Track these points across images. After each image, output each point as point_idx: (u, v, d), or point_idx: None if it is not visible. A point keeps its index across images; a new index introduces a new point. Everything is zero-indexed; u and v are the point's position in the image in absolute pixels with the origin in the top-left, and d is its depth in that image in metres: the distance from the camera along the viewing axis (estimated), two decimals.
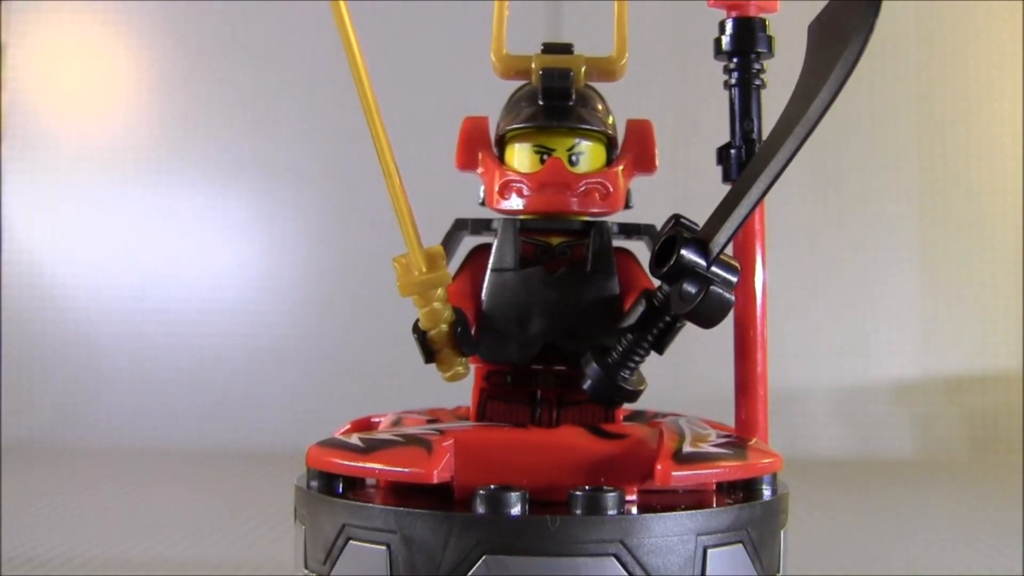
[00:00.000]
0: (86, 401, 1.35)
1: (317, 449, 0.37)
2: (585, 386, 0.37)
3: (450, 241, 0.43)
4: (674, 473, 0.34)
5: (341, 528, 0.35)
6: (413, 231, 0.38)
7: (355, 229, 1.35)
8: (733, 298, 0.35)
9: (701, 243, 0.35)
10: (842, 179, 1.35)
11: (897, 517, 0.89)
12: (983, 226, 1.34)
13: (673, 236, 0.35)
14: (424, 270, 0.38)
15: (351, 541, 0.34)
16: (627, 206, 0.43)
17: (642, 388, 0.38)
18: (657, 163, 0.43)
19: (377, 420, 0.44)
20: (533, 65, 0.41)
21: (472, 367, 0.41)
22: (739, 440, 0.38)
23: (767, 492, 0.37)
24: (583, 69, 0.41)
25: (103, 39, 1.40)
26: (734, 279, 0.35)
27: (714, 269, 0.35)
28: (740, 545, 0.34)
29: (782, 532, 0.37)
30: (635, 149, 0.42)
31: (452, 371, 0.40)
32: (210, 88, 1.38)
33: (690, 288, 0.35)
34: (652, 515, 0.33)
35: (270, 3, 1.35)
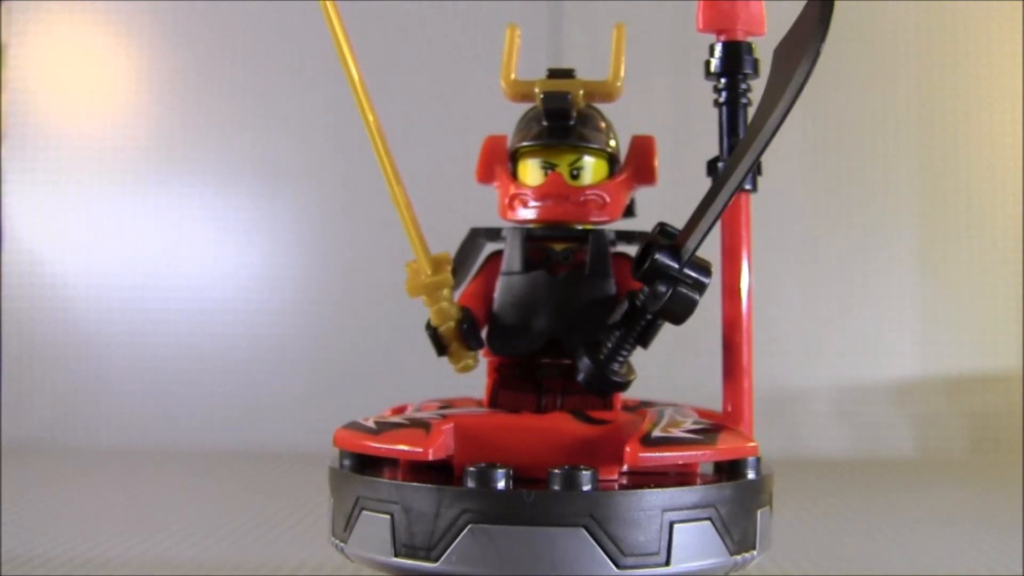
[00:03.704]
0: (86, 401, 1.35)
1: (340, 431, 0.42)
2: (579, 378, 0.41)
3: (469, 247, 0.48)
4: (641, 455, 0.38)
5: (356, 500, 0.39)
6: (418, 239, 0.44)
7: (355, 229, 1.35)
8: (698, 297, 0.39)
9: (674, 248, 0.39)
10: (842, 179, 1.36)
11: (897, 517, 0.89)
12: (983, 226, 1.35)
13: (650, 242, 0.39)
14: (430, 273, 0.43)
15: (363, 511, 0.39)
16: (631, 215, 0.47)
17: (631, 378, 0.42)
18: (658, 175, 0.46)
19: (406, 405, 0.48)
20: (537, 89, 0.45)
21: (483, 360, 0.45)
22: (715, 427, 0.41)
23: (751, 475, 0.40)
24: (581, 92, 0.45)
25: (104, 39, 1.40)
26: (706, 280, 0.39)
27: (686, 271, 0.39)
28: (708, 522, 0.38)
29: (759, 512, 0.40)
30: (636, 163, 0.46)
31: (462, 363, 0.44)
32: (210, 88, 1.39)
33: (661, 288, 0.39)
34: (620, 492, 0.37)
35: (271, 4, 1.35)
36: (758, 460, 0.41)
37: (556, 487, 0.36)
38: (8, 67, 1.40)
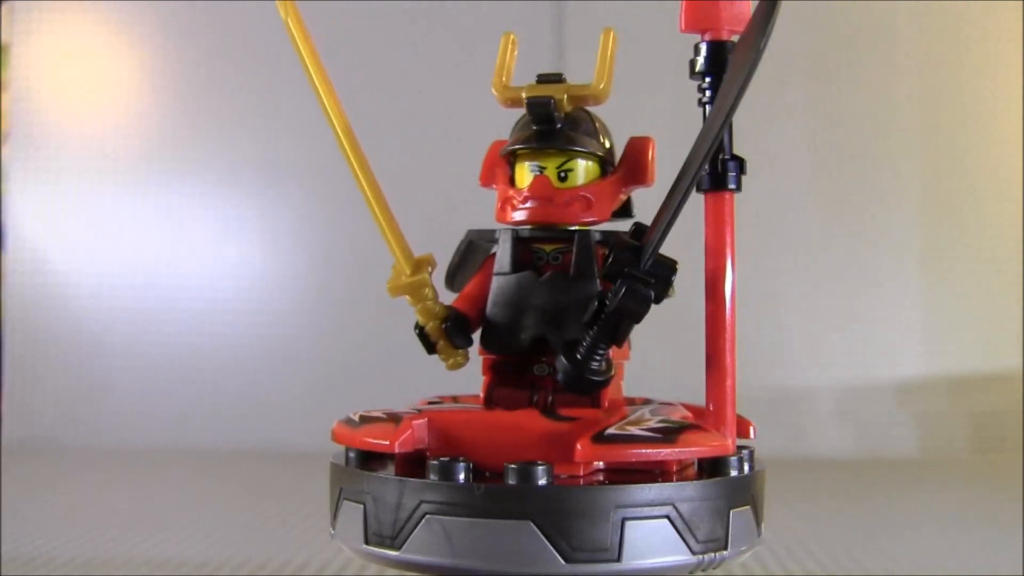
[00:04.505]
0: (88, 400, 1.36)
1: (336, 425, 0.44)
2: (558, 378, 0.42)
3: (466, 249, 0.48)
4: (590, 452, 0.39)
5: (340, 492, 0.42)
6: (395, 240, 0.45)
7: (356, 228, 1.35)
8: (652, 294, 0.40)
9: (636, 247, 0.40)
10: (845, 179, 1.36)
11: (900, 517, 0.89)
12: (985, 225, 1.35)
13: (616, 241, 0.41)
14: (409, 273, 0.45)
15: (344, 501, 0.41)
16: (627, 215, 0.48)
17: (611, 375, 0.42)
18: (653, 176, 0.47)
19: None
20: (523, 95, 0.46)
21: (472, 357, 0.47)
22: (681, 426, 0.41)
23: (732, 473, 0.41)
24: (565, 97, 0.45)
25: (106, 39, 1.41)
26: (669, 276, 0.41)
27: (648, 269, 0.40)
28: (665, 520, 0.38)
29: (732, 512, 0.40)
30: (629, 164, 0.47)
31: (451, 361, 0.46)
32: (212, 88, 1.39)
33: (619, 286, 0.40)
34: (570, 487, 0.38)
35: (272, 4, 1.35)
36: (740, 460, 0.41)
37: (511, 481, 0.37)
38: (11, 67, 1.40)
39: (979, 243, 1.35)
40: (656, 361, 1.26)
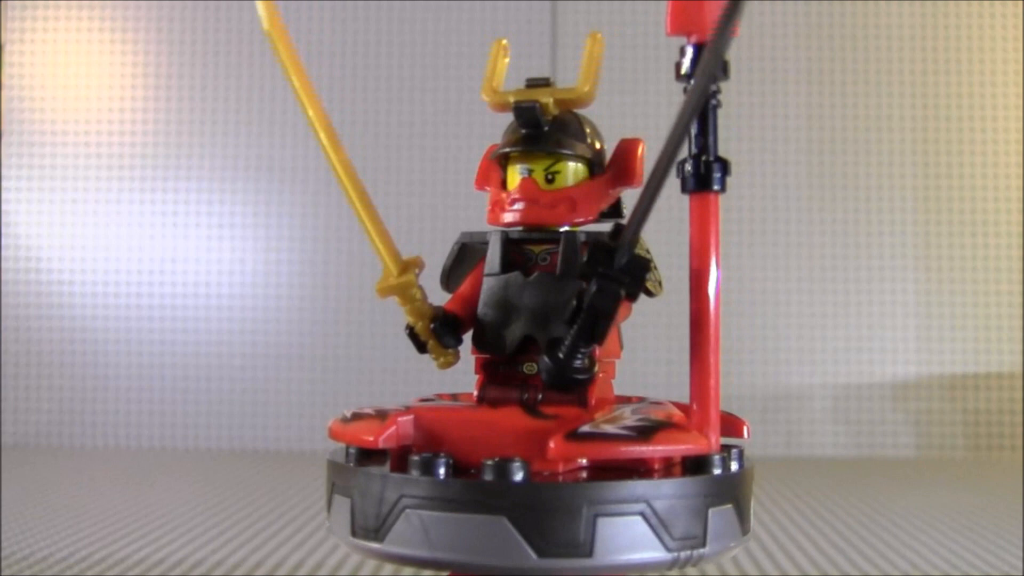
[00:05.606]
0: (86, 401, 1.36)
1: (331, 422, 0.45)
2: (542, 377, 0.43)
3: (460, 250, 0.49)
4: (563, 450, 0.39)
5: (332, 486, 0.43)
6: (381, 242, 0.46)
7: (349, 228, 1.35)
8: (623, 292, 0.41)
9: (610, 247, 0.41)
10: (841, 180, 1.36)
11: (897, 516, 0.89)
12: (983, 223, 1.35)
13: (593, 241, 0.42)
14: (396, 275, 0.46)
15: (335, 495, 0.43)
16: (617, 215, 0.48)
17: (594, 372, 0.43)
18: (641, 177, 0.47)
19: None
20: (511, 99, 0.47)
21: (462, 356, 0.47)
22: (657, 424, 0.42)
23: (717, 471, 0.41)
24: (551, 101, 0.46)
25: (102, 39, 1.41)
26: (643, 274, 0.41)
27: (622, 267, 0.41)
28: (639, 517, 0.39)
29: (711, 510, 0.41)
30: (618, 165, 0.48)
31: (442, 360, 0.47)
32: (207, 88, 1.39)
33: (591, 285, 0.41)
34: (543, 484, 0.38)
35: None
36: (723, 458, 0.42)
37: (487, 477, 0.38)
38: (7, 65, 1.40)
39: (976, 243, 1.35)
40: (655, 361, 1.26)
